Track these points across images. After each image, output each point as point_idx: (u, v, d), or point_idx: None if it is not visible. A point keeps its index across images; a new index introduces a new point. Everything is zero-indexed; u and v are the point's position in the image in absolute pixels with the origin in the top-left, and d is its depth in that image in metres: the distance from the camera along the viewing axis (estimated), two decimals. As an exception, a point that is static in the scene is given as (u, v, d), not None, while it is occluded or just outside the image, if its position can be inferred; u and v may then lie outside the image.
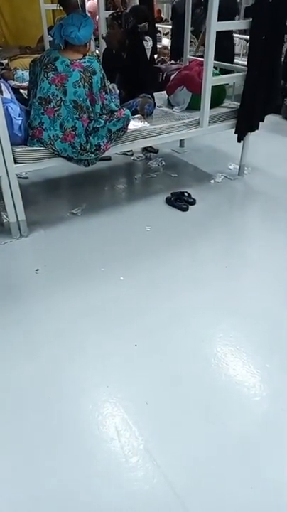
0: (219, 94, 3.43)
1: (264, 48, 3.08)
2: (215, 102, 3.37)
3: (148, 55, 3.88)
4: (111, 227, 3.01)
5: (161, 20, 7.75)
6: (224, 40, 4.04)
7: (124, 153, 4.04)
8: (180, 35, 4.19)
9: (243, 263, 2.66)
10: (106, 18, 3.78)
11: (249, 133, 3.50)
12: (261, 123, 3.45)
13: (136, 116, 3.11)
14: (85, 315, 2.21)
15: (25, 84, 3.68)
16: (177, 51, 5.09)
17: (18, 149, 2.64)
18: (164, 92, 3.75)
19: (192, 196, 3.32)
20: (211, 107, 3.26)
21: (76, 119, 2.62)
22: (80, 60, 2.58)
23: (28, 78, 3.76)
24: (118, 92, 3.21)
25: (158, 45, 5.90)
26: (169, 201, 3.29)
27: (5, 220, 2.93)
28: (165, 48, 6.03)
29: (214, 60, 3.05)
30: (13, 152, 2.60)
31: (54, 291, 2.37)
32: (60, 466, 1.52)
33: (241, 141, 3.53)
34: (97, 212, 3.18)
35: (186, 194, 3.33)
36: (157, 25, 6.30)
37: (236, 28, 4.76)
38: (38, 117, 2.64)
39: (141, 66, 3.38)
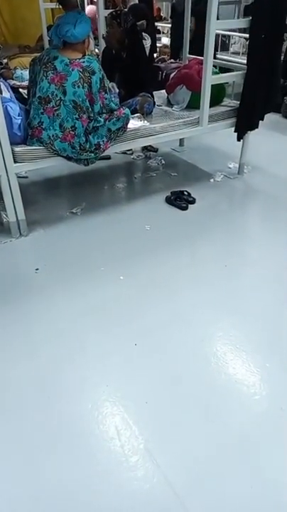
0: (218, 93, 3.43)
1: (264, 47, 3.07)
2: (215, 101, 3.36)
3: (147, 53, 3.88)
4: (111, 227, 3.01)
5: (161, 19, 7.72)
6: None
7: (124, 153, 4.03)
8: (179, 33, 4.18)
9: (243, 262, 2.66)
10: (106, 17, 3.77)
11: (249, 131, 3.49)
12: (260, 121, 3.44)
13: (136, 115, 3.10)
14: (85, 314, 2.21)
15: (25, 83, 3.68)
16: (176, 50, 5.08)
17: (17, 148, 2.63)
18: (163, 90, 3.74)
19: (192, 195, 3.32)
20: (210, 106, 3.26)
21: (75, 119, 2.61)
22: (80, 59, 2.57)
23: (27, 77, 3.76)
24: (117, 91, 3.20)
25: (158, 44, 5.89)
26: (169, 200, 3.29)
27: (4, 220, 2.93)
28: (165, 46, 6.02)
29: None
30: (13, 151, 2.60)
31: (54, 291, 2.36)
32: (60, 466, 1.52)
33: (241, 140, 3.53)
34: (97, 212, 3.18)
35: (186, 193, 3.33)
36: (156, 23, 6.28)
37: (236, 26, 4.76)
38: (38, 117, 2.64)
39: (140, 65, 3.38)
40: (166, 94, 3.69)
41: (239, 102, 3.40)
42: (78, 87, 2.55)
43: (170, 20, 6.66)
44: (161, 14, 8.11)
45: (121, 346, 2.01)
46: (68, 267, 2.57)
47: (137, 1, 4.49)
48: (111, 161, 3.99)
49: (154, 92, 3.52)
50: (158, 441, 1.59)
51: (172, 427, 1.65)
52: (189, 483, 1.47)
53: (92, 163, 2.89)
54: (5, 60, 5.01)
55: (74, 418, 1.68)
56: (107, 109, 2.71)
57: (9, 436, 1.62)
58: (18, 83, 4.09)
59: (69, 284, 2.42)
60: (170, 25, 6.32)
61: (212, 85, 3.16)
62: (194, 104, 3.36)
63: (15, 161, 2.63)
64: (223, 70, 3.80)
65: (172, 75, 3.69)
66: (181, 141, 4.36)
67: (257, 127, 3.46)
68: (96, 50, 4.67)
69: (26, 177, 3.59)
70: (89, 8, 5.72)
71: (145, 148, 4.17)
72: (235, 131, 3.45)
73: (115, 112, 2.75)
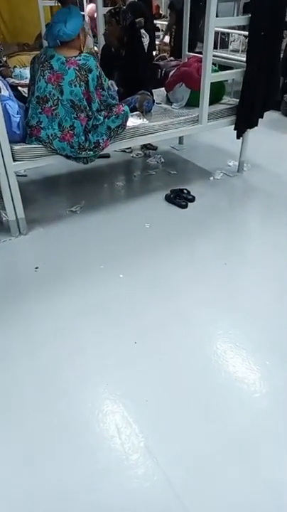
0: (218, 91, 3.42)
1: (263, 44, 3.06)
2: (214, 99, 3.36)
3: (146, 51, 3.87)
4: (110, 225, 3.01)
5: (160, 17, 7.70)
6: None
7: (123, 151, 4.03)
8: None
9: (242, 260, 2.66)
10: (104, 15, 3.76)
11: (248, 129, 3.49)
12: (260, 119, 3.44)
13: (135, 113, 3.10)
14: (85, 313, 2.21)
15: (23, 81, 3.68)
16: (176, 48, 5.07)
17: (16, 147, 2.63)
18: (163, 88, 3.73)
19: (192, 193, 3.31)
20: (210, 104, 3.25)
21: (74, 119, 2.60)
22: (76, 57, 2.54)
23: (25, 75, 3.76)
24: (117, 89, 3.19)
25: (157, 42, 5.87)
26: (168, 198, 3.28)
27: (4, 218, 2.92)
28: (164, 44, 6.00)
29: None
30: (12, 150, 2.60)
31: (53, 290, 2.36)
32: (60, 464, 1.52)
33: (241, 138, 3.53)
34: (96, 210, 3.17)
35: (185, 191, 3.32)
36: (155, 21, 6.27)
37: (235, 24, 4.74)
38: (36, 116, 2.63)
39: (139, 63, 3.37)
40: (165, 92, 3.68)
41: (238, 100, 3.40)
42: (75, 86, 2.53)
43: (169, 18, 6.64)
44: (160, 12, 8.08)
45: (121, 345, 2.01)
46: (68, 266, 2.56)
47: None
48: (111, 160, 3.99)
49: (153, 90, 3.51)
50: (158, 440, 1.59)
51: (172, 425, 1.65)
52: (189, 481, 1.47)
53: (92, 162, 2.89)
54: (4, 59, 4.99)
55: (75, 417, 1.68)
56: (105, 106, 2.70)
57: (9, 436, 1.62)
58: (17, 81, 4.07)
59: (69, 283, 2.42)
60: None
61: (212, 83, 3.15)
62: (193, 102, 3.36)
63: (14, 160, 2.63)
64: (222, 67, 3.79)
65: (171, 73, 3.68)
66: (180, 139, 4.35)
67: (257, 125, 3.45)
68: (95, 48, 4.66)
69: (25, 175, 3.58)
70: (89, 8, 5.70)
71: (144, 147, 4.17)
72: (234, 129, 3.45)
73: (114, 110, 2.74)
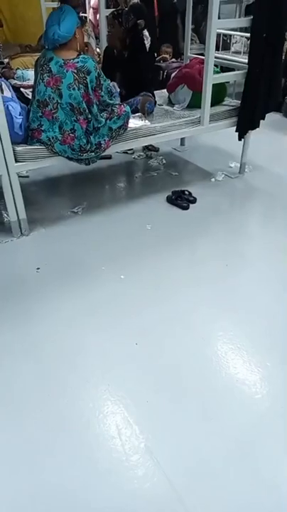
0: (219, 92, 3.42)
1: (265, 46, 3.07)
2: (216, 100, 3.36)
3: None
4: (112, 226, 3.01)
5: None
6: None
7: (125, 152, 4.04)
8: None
9: (244, 262, 2.66)
10: (107, 17, 3.77)
11: (250, 131, 3.49)
12: (261, 121, 3.44)
13: (137, 114, 3.10)
14: (86, 313, 2.21)
15: (25, 83, 3.68)
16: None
17: (18, 148, 2.64)
18: (165, 90, 3.74)
19: (193, 195, 3.32)
20: (212, 105, 3.26)
21: (74, 121, 2.60)
22: (74, 59, 2.52)
23: (28, 77, 3.77)
24: (118, 90, 3.20)
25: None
26: (170, 200, 3.29)
27: (6, 219, 2.93)
28: (167, 45, 6.00)
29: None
30: (14, 151, 2.60)
31: (55, 290, 2.37)
32: (61, 465, 1.52)
33: (242, 139, 3.53)
34: (98, 211, 3.18)
35: (187, 192, 3.33)
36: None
37: (237, 25, 4.74)
38: (37, 120, 2.63)
39: (141, 64, 3.38)
40: (167, 94, 3.68)
41: (240, 102, 3.40)
42: (73, 89, 2.52)
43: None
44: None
45: (122, 345, 2.01)
46: (69, 267, 2.57)
47: (138, 0, 4.48)
48: (112, 161, 3.99)
49: (155, 92, 3.52)
50: (158, 441, 1.59)
51: (172, 426, 1.65)
52: (189, 482, 1.47)
53: (93, 163, 2.89)
54: (6, 60, 5.00)
55: (75, 417, 1.68)
56: (104, 105, 2.70)
57: (9, 436, 1.62)
58: (19, 83, 4.08)
59: (71, 283, 2.42)
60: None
61: (213, 84, 3.16)
62: (195, 104, 3.36)
63: (16, 161, 2.63)
64: (224, 69, 3.79)
65: (173, 75, 3.68)
66: (182, 141, 4.35)
67: (258, 126, 3.45)
68: (98, 50, 4.66)
69: (27, 176, 3.59)
70: (94, 0, 5.70)
71: (146, 148, 4.17)
72: (236, 131, 3.45)
73: (115, 111, 2.75)
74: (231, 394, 1.78)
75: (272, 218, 3.16)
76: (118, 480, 1.47)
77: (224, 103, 3.56)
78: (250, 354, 1.96)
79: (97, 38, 4.48)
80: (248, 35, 3.35)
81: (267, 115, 3.46)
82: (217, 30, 3.01)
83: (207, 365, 1.91)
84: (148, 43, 3.88)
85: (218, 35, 3.54)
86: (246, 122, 3.38)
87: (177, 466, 1.52)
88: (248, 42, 3.27)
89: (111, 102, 2.72)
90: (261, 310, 2.24)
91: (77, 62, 2.52)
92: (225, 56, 5.05)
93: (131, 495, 1.43)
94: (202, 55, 3.51)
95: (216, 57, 3.17)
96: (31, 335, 2.09)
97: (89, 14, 5.86)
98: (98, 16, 4.43)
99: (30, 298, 2.32)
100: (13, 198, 2.72)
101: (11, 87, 2.76)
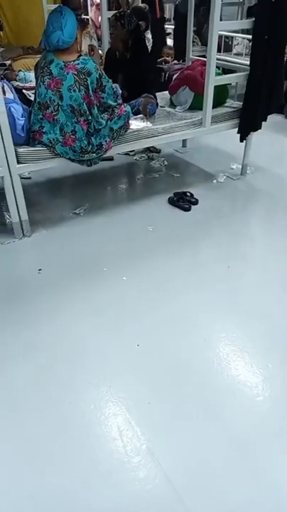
0: (221, 94, 3.43)
1: (267, 48, 3.07)
2: (218, 102, 3.37)
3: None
4: (114, 227, 3.01)
5: (164, 20, 7.71)
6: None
7: (127, 154, 4.04)
8: (182, 35, 4.19)
9: (245, 263, 2.66)
10: (109, 19, 3.78)
11: (252, 132, 3.49)
12: (263, 123, 3.44)
13: (139, 116, 3.11)
14: (87, 315, 2.21)
15: (28, 84, 3.69)
16: (179, 51, 5.09)
17: (20, 149, 2.64)
18: (166, 92, 3.74)
19: (195, 196, 3.32)
20: (213, 107, 3.26)
21: (75, 123, 2.61)
22: (74, 61, 2.53)
23: (30, 79, 3.78)
24: (120, 92, 3.20)
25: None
26: (171, 201, 3.29)
27: (8, 220, 2.94)
28: (169, 47, 6.02)
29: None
30: (16, 152, 2.61)
31: (56, 292, 2.37)
32: (62, 466, 1.52)
33: (244, 141, 3.53)
34: (100, 213, 3.18)
35: (188, 194, 3.33)
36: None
37: (239, 27, 4.75)
38: (38, 122, 2.64)
39: (143, 66, 3.38)
40: (169, 96, 3.69)
41: (241, 103, 3.40)
42: (74, 90, 2.52)
43: (173, 22, 6.67)
44: (165, 16, 8.09)
45: (124, 347, 2.01)
46: (71, 268, 2.57)
47: (140, 3, 4.50)
48: (114, 162, 4.00)
49: (157, 93, 3.53)
50: (160, 442, 1.59)
51: (174, 427, 1.65)
52: (191, 484, 1.46)
53: (95, 164, 2.90)
54: (8, 62, 5.01)
55: (77, 418, 1.68)
56: (105, 107, 2.70)
57: (10, 437, 1.62)
58: (22, 84, 4.09)
59: (72, 285, 2.42)
60: (173, 27, 6.32)
61: (215, 86, 3.16)
62: (197, 105, 3.37)
63: (18, 162, 2.64)
64: (226, 71, 3.80)
65: (175, 76, 3.69)
66: (184, 142, 4.36)
67: (260, 128, 3.46)
68: (100, 52, 4.67)
69: (29, 178, 3.60)
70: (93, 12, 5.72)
71: (147, 150, 4.17)
72: (238, 132, 3.45)
73: (116, 111, 2.75)
74: (232, 395, 1.78)
75: (274, 220, 3.16)
76: (119, 481, 1.47)
77: (226, 105, 3.57)
78: (251, 355, 1.96)
79: (99, 39, 4.48)
80: (250, 37, 3.37)
81: (269, 117, 3.46)
82: (219, 32, 3.02)
83: (208, 367, 1.91)
84: (149, 44, 3.90)
85: (220, 37, 3.55)
86: (247, 124, 3.39)
87: (179, 467, 1.51)
88: (250, 44, 3.27)
89: (114, 103, 2.72)
90: (263, 312, 2.23)
91: (78, 63, 2.52)
92: (227, 58, 5.08)
93: (132, 496, 1.43)
94: (203, 56, 3.52)
95: (218, 59, 3.19)
96: (33, 336, 2.10)
97: (91, 12, 5.85)
98: (100, 18, 4.43)
99: (31, 299, 2.33)
100: (15, 200, 2.72)
101: (13, 89, 2.76)
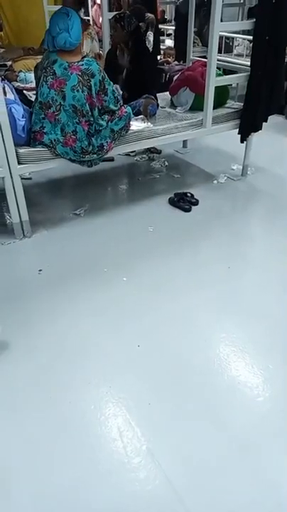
0: (222, 95, 3.43)
1: (268, 49, 3.07)
2: (218, 103, 3.37)
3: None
4: (114, 228, 3.01)
5: (164, 21, 7.73)
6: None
7: (127, 154, 4.04)
8: (183, 35, 4.19)
9: (246, 264, 2.66)
10: (109, 20, 3.78)
11: (252, 133, 3.49)
12: (264, 123, 3.44)
13: (139, 116, 3.11)
14: (88, 315, 2.21)
15: (28, 85, 3.70)
16: (180, 52, 5.10)
17: (21, 150, 2.65)
18: (167, 92, 3.75)
19: (195, 197, 3.32)
20: (214, 108, 3.26)
21: (76, 124, 2.61)
22: (78, 62, 2.54)
23: (30, 79, 3.78)
24: (121, 93, 3.21)
25: (162, 46, 5.89)
26: (172, 202, 3.29)
27: (8, 221, 2.94)
28: (170, 48, 6.03)
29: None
30: (17, 153, 2.62)
31: (56, 292, 2.37)
32: (62, 467, 1.52)
33: (245, 142, 3.53)
34: (100, 213, 3.19)
35: (189, 195, 3.33)
36: (160, 25, 6.29)
37: (240, 28, 4.76)
38: (39, 122, 2.64)
39: (144, 67, 3.39)
40: (170, 96, 3.69)
41: (242, 104, 3.40)
42: (77, 91, 2.53)
43: (173, 23, 6.68)
44: (165, 16, 8.12)
45: (124, 347, 2.01)
46: (71, 269, 2.57)
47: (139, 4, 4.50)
48: (115, 163, 4.00)
49: (158, 94, 3.53)
50: (160, 443, 1.59)
51: (174, 428, 1.65)
52: (191, 484, 1.46)
53: (96, 165, 2.90)
54: (9, 63, 5.02)
55: (76, 418, 1.68)
56: (106, 111, 2.71)
57: (11, 437, 1.62)
58: (22, 85, 4.10)
59: (72, 286, 2.43)
60: (173, 28, 6.34)
61: (216, 87, 3.17)
62: (197, 106, 3.37)
63: (19, 163, 2.64)
64: (227, 71, 3.80)
65: (175, 77, 3.69)
66: (184, 143, 4.36)
67: (261, 129, 3.46)
68: (100, 52, 4.68)
69: (30, 178, 3.60)
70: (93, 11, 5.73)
71: (148, 150, 4.18)
72: (238, 133, 3.46)
73: (117, 112, 2.75)
74: (232, 395, 1.77)
75: (274, 220, 3.16)
76: (119, 481, 1.47)
77: (227, 105, 3.57)
78: (252, 356, 1.96)
79: (100, 40, 4.48)
80: (250, 37, 3.37)
81: (269, 117, 3.46)
82: (220, 33, 3.02)
83: (209, 367, 1.91)
84: (150, 46, 3.91)
85: (220, 37, 3.55)
86: (248, 125, 3.39)
87: (179, 468, 1.51)
88: (251, 45, 3.27)
89: (115, 108, 2.73)
90: (264, 312, 2.23)
91: (82, 64, 2.53)
92: (227, 59, 5.08)
93: (132, 497, 1.42)
94: (204, 57, 3.52)
95: (218, 60, 3.19)
96: (33, 336, 2.10)
97: (92, 11, 5.85)
98: (101, 19, 4.44)
99: (31, 299, 2.33)
100: (16, 200, 2.73)
101: (13, 90, 2.77)
